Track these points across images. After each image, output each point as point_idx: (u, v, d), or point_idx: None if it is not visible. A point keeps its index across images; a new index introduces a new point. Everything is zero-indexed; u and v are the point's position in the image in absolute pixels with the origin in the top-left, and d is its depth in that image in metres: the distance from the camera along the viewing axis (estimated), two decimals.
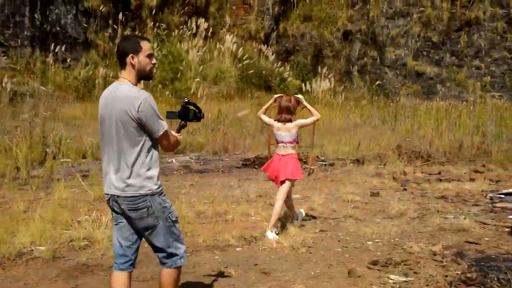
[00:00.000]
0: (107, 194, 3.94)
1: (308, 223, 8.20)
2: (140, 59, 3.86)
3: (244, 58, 27.33)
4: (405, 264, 6.21)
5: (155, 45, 26.96)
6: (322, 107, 22.84)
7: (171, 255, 4.08)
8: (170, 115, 4.45)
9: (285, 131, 7.29)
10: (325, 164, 13.20)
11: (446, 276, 5.80)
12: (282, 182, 7.35)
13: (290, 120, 7.26)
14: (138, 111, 3.69)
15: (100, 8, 26.39)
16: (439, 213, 8.85)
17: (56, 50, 24.06)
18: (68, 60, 25.02)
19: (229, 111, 19.51)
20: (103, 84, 24.00)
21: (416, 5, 29.86)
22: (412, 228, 7.94)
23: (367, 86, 29.34)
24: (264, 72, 27.88)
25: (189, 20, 28.57)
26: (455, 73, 29.46)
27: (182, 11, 29.13)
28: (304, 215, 8.27)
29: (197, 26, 28.42)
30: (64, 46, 24.66)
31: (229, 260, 6.39)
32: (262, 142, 15.31)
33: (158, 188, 3.97)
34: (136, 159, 3.82)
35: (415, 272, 5.93)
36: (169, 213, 4.06)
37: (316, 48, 30.62)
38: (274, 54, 29.80)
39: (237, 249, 6.88)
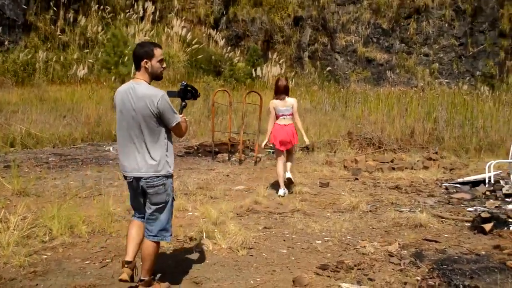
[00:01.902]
0: (129, 177, 4.51)
1: (250, 219, 7.24)
2: (153, 64, 4.45)
3: (193, 43, 26.11)
4: (358, 269, 5.31)
5: (100, 28, 25.49)
6: (272, 93, 21.86)
7: (164, 230, 4.61)
8: (170, 94, 4.76)
9: (284, 106, 8.63)
10: (272, 152, 12.21)
11: (405, 283, 4.92)
12: (287, 148, 8.79)
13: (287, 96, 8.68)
14: (157, 106, 4.29)
15: None
16: (393, 206, 8.01)
17: None
18: (6, 43, 23.34)
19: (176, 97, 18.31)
20: (44, 68, 22.53)
21: None
22: (365, 224, 7.06)
23: (318, 72, 28.56)
24: (213, 57, 26.72)
25: (136, 3, 27.14)
26: (404, 59, 28.98)
27: None
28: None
29: (144, 10, 27.06)
30: (1, 28, 22.99)
31: (156, 266, 5.33)
32: (207, 128, 14.25)
33: (171, 172, 4.59)
34: (156, 146, 4.41)
35: (369, 279, 5.03)
36: (173, 194, 4.76)
37: (266, 33, 29.60)
38: (224, 39, 28.63)
39: (167, 252, 5.85)
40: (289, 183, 8.86)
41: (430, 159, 11.47)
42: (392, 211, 7.51)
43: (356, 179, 9.92)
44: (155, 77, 4.54)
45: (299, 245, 6.13)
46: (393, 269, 5.31)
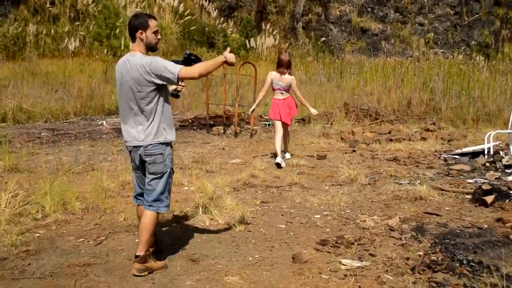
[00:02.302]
0: (129, 146, 4.52)
1: (247, 193, 7.09)
2: (148, 35, 4.38)
3: (185, 14, 25.65)
4: (359, 244, 5.17)
5: (90, 0, 24.99)
6: (267, 64, 21.63)
7: (159, 200, 4.53)
8: (175, 63, 4.53)
9: (282, 81, 8.68)
10: (268, 125, 12.04)
11: (407, 259, 4.77)
12: (286, 121, 8.90)
13: (287, 73, 8.71)
14: (150, 71, 4.21)
15: None
16: (392, 178, 7.87)
17: None
18: None
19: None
20: (34, 42, 22.09)
21: None
22: (364, 197, 6.91)
23: (312, 42, 28.21)
24: (206, 28, 26.30)
25: None
26: (399, 29, 28.68)
27: None
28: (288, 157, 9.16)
29: None
30: None
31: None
32: (202, 101, 14.03)
33: (171, 139, 4.53)
34: (153, 114, 4.37)
35: (371, 254, 4.89)
36: (173, 166, 4.66)
37: (259, 4, 29.13)
38: (216, 10, 28.15)
39: (163, 229, 5.69)
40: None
41: (427, 130, 11.32)
42: (391, 184, 7.37)
43: (354, 151, 9.78)
44: (150, 48, 4.47)
45: (297, 220, 5.99)
46: (394, 244, 5.17)
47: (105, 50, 19.61)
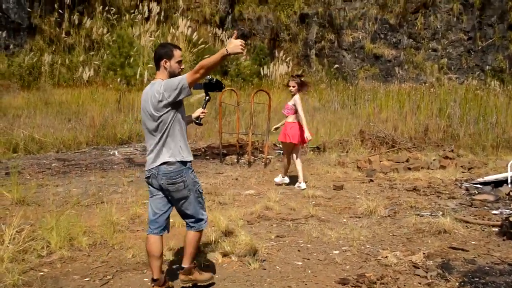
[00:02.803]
0: (148, 171, 4.48)
1: (261, 227, 6.74)
2: (172, 64, 4.44)
3: (199, 42, 25.60)
4: (381, 283, 4.80)
5: (105, 30, 25.04)
6: (280, 92, 21.39)
7: (198, 220, 4.65)
8: (196, 87, 4.57)
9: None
10: (282, 153, 11.70)
11: None
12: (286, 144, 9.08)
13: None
14: (161, 90, 4.20)
15: None
16: (413, 210, 7.48)
17: None
18: (11, 47, 22.98)
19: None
20: (49, 72, 22.10)
21: None
22: (385, 230, 6.54)
23: (325, 69, 28.01)
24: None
25: (141, 4, 26.64)
26: (412, 55, 28.38)
27: None
28: (302, 188, 8.89)
29: (149, 10, 26.52)
30: (6, 32, 22.63)
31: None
32: (215, 129, 13.75)
33: (189, 163, 4.52)
34: (171, 141, 4.38)
35: None
36: (198, 186, 4.64)
37: (272, 31, 29.06)
38: (229, 38, 28.10)
39: (173, 266, 5.36)
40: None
41: (446, 157, 10.92)
42: (412, 216, 6.99)
43: (371, 180, 9.41)
44: (173, 77, 4.41)
45: (315, 256, 5.62)
46: (419, 283, 4.80)
47: (119, 79, 19.52)
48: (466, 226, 6.61)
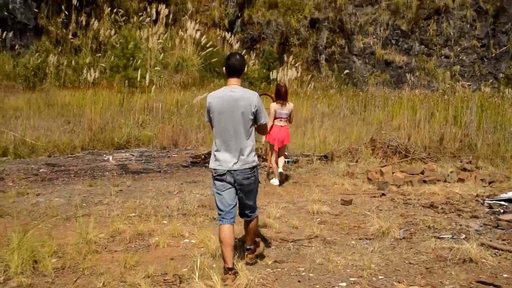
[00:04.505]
0: (223, 170, 4.84)
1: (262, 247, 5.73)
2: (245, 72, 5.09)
3: (207, 46, 24.75)
4: None
5: (113, 32, 24.19)
6: (289, 97, 20.35)
7: (255, 209, 5.21)
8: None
9: (284, 109, 9.24)
10: (288, 162, 10.71)
11: None
12: (281, 147, 9.37)
13: (287, 102, 9.35)
14: (255, 105, 4.86)
15: None
16: (431, 231, 6.44)
17: (4, 37, 21.33)
18: (17, 47, 22.20)
19: (188, 101, 16.75)
20: (55, 73, 21.30)
21: None
22: (400, 257, 5.50)
23: (335, 75, 27.01)
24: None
25: (149, 6, 25.82)
26: (424, 62, 27.34)
27: None
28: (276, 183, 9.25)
29: (158, 13, 25.72)
30: (12, 32, 21.88)
31: None
32: None
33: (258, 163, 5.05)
34: (249, 142, 4.91)
35: None
36: (259, 182, 5.31)
37: (282, 36, 28.09)
38: (238, 42, 27.18)
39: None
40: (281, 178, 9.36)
41: (464, 169, 9.87)
42: (431, 239, 5.96)
43: (383, 194, 8.36)
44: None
45: None
46: None
47: (123, 81, 18.64)
48: (495, 254, 5.57)
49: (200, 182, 9.12)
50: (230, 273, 4.72)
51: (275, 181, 9.25)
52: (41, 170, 9.72)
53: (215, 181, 4.93)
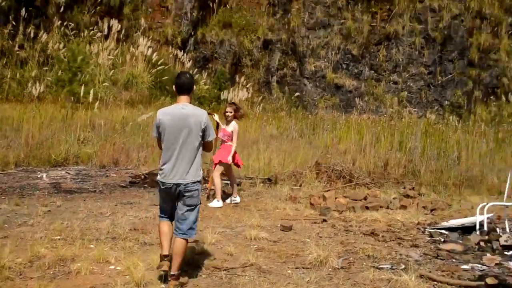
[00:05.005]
0: (169, 183, 5.09)
1: (188, 278, 5.33)
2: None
3: (158, 63, 24.23)
4: None
5: (62, 45, 23.38)
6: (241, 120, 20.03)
7: (191, 228, 5.23)
8: None
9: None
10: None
11: None
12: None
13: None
14: (205, 122, 5.16)
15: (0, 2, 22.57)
16: (370, 260, 6.19)
17: None
18: None
19: (134, 118, 16.17)
20: None
21: (337, 16, 27.77)
22: None
23: (286, 97, 26.85)
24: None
25: (101, 21, 25.11)
26: (373, 87, 27.53)
27: (94, 10, 25.54)
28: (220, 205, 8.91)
29: (110, 28, 25.00)
30: None
31: None
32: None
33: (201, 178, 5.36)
34: (196, 157, 5.15)
35: None
36: (199, 201, 5.42)
37: (235, 56, 27.80)
38: (191, 61, 26.71)
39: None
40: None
41: (407, 196, 9.74)
42: (370, 269, 5.69)
43: (324, 220, 8.09)
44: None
45: None
46: None
47: (69, 96, 17.95)
48: (433, 286, 5.34)
49: (136, 203, 8.64)
50: (165, 259, 5.13)
51: (217, 203, 8.97)
52: None
53: (161, 189, 5.24)
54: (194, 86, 5.34)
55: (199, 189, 5.24)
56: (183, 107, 5.12)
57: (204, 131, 5.14)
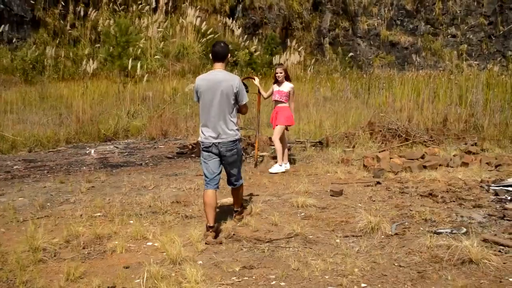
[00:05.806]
0: (209, 143, 5.42)
1: (227, 252, 4.95)
2: (229, 58, 5.64)
3: (208, 32, 23.84)
4: None
5: (111, 21, 23.32)
6: (293, 82, 19.43)
7: (239, 178, 5.78)
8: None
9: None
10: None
11: None
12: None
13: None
14: (236, 86, 5.41)
15: None
16: (428, 224, 5.59)
17: (0, 30, 20.55)
18: (14, 40, 21.43)
19: (184, 88, 15.84)
20: (53, 65, 20.48)
21: None
22: (389, 258, 4.67)
23: (339, 58, 25.99)
24: (230, 47, 24.31)
25: None
26: (430, 42, 26.27)
27: None
28: (283, 170, 8.54)
29: (157, 1, 24.78)
30: (9, 25, 21.10)
31: None
32: None
33: (240, 136, 5.70)
34: (231, 118, 5.45)
35: None
36: (242, 154, 6.24)
37: (284, 20, 27.06)
38: (240, 28, 26.18)
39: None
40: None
41: (469, 152, 8.96)
42: (426, 235, 5.09)
43: (378, 183, 7.48)
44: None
45: None
46: None
47: (120, 70, 17.85)
48: (500, 251, 4.71)
49: (181, 174, 8.29)
50: (210, 230, 5.28)
51: (282, 168, 8.55)
52: (15, 167, 8.96)
53: (203, 152, 5.50)
54: (229, 55, 5.56)
55: (239, 147, 5.57)
56: (217, 72, 5.44)
57: (236, 95, 5.43)
